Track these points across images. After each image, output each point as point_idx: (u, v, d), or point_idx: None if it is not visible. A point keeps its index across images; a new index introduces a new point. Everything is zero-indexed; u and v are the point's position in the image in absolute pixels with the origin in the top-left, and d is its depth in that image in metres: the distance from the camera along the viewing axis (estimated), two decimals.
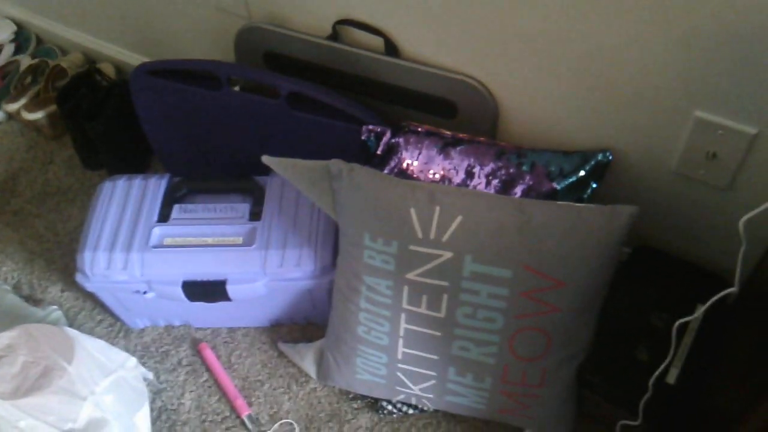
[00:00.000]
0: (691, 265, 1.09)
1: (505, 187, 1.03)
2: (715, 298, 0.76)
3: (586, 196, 1.02)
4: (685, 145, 0.95)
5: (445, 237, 0.94)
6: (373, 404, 1.17)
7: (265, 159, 1.06)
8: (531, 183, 1.02)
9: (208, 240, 1.11)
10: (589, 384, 1.05)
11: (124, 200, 1.16)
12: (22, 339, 1.05)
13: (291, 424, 1.16)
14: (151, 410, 1.17)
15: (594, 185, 1.02)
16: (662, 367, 0.90)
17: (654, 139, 0.98)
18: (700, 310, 0.81)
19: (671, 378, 0.99)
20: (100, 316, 1.30)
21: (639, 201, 1.07)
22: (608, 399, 1.05)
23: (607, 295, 1.03)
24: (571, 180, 1.02)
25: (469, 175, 1.04)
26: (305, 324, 1.27)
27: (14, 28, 1.72)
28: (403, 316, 1.01)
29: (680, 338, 1.01)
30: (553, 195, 1.01)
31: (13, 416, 0.97)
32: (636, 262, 1.11)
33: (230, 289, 1.10)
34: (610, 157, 1.01)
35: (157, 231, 1.12)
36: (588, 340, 1.00)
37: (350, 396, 1.18)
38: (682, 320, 0.85)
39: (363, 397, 1.18)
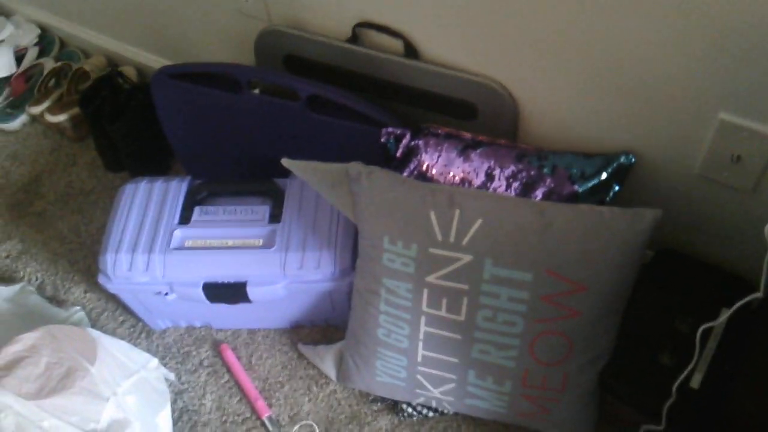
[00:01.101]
0: (715, 269, 1.08)
1: (526, 190, 1.02)
2: (740, 303, 0.75)
3: (608, 199, 1.01)
4: (708, 148, 0.94)
5: (465, 240, 0.93)
6: (393, 406, 1.16)
7: (285, 162, 1.06)
8: (552, 186, 1.02)
9: (229, 242, 1.12)
10: (611, 388, 1.04)
11: (146, 202, 1.17)
12: (46, 340, 1.06)
13: (311, 425, 1.16)
14: (173, 411, 1.18)
15: (616, 188, 1.01)
16: (686, 372, 0.89)
17: (677, 142, 0.97)
18: (725, 314, 0.79)
19: (695, 383, 0.98)
20: (122, 317, 1.31)
21: (662, 204, 1.06)
22: (630, 404, 1.04)
23: (630, 299, 1.02)
24: (593, 183, 1.01)
25: (490, 177, 1.04)
26: (325, 326, 1.27)
27: (38, 31, 1.74)
28: (423, 319, 1.01)
29: (704, 343, 1.00)
30: (574, 198, 1.00)
31: (37, 416, 0.99)
32: (659, 265, 1.10)
33: (250, 290, 1.11)
34: (633, 160, 1.00)
35: (179, 233, 1.13)
36: (610, 344, 1.00)
37: (370, 398, 1.18)
38: (706, 325, 0.84)
39: (383, 399, 1.17)
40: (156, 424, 1.10)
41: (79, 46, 1.73)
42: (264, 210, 1.15)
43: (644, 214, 0.90)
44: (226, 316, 1.24)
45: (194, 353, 1.26)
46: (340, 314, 1.20)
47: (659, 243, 1.11)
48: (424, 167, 1.07)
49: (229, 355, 1.24)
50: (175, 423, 1.17)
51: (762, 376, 0.93)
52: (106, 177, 1.53)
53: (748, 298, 0.75)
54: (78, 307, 1.30)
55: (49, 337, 1.06)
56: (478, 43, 1.02)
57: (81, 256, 1.40)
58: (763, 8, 0.75)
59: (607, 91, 0.96)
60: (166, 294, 1.14)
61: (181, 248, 1.12)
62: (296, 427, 1.16)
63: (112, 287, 1.14)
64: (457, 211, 0.94)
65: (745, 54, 0.81)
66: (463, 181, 1.05)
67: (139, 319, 1.29)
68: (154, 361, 1.14)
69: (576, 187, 1.01)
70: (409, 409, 1.15)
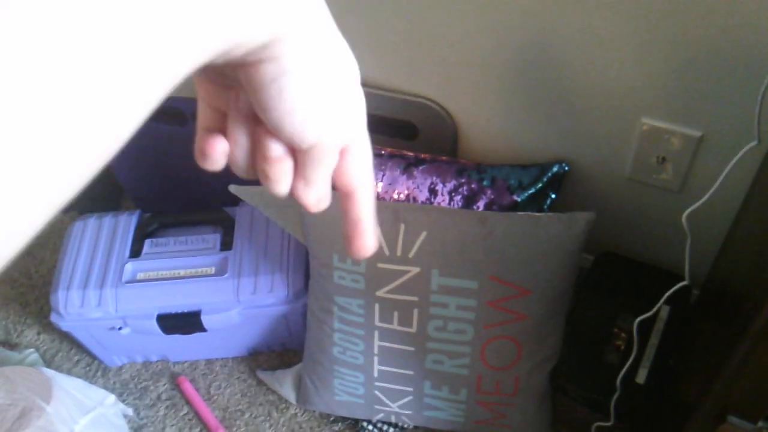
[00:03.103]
0: (652, 268, 1.13)
1: (468, 203, 1.06)
2: (669, 292, 0.80)
3: (545, 206, 1.06)
4: (635, 152, 0.99)
5: (412, 253, 0.97)
6: (354, 425, 1.18)
7: (232, 188, 1.08)
8: (492, 197, 1.06)
9: (181, 272, 1.13)
10: (562, 389, 1.08)
11: (96, 238, 1.17)
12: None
13: None
14: None
15: (553, 196, 1.06)
16: (627, 366, 0.93)
17: (607, 148, 1.02)
18: (657, 306, 0.84)
19: (640, 378, 1.02)
20: (77, 357, 1.30)
21: (597, 208, 1.11)
22: (581, 402, 1.07)
23: (574, 303, 1.06)
24: (530, 192, 1.05)
25: (433, 192, 1.08)
26: (282, 350, 1.28)
27: None
28: (376, 333, 1.03)
29: (647, 338, 1.04)
30: (514, 207, 1.05)
31: None
32: (599, 269, 1.14)
33: (205, 319, 1.11)
34: (567, 168, 1.05)
35: (130, 266, 1.14)
36: (557, 345, 1.03)
37: (331, 419, 1.19)
38: (641, 317, 0.88)
39: (343, 419, 1.19)
40: None
41: None
42: (215, 238, 1.16)
43: (578, 218, 0.95)
44: (182, 347, 1.24)
45: (152, 387, 1.25)
46: (297, 337, 1.21)
47: (599, 247, 1.16)
48: None
49: (188, 387, 1.24)
50: None
51: (698, 363, 0.97)
52: (56, 217, 1.52)
53: (675, 287, 0.79)
54: (32, 349, 1.29)
55: (2, 379, 1.05)
56: (414, 66, 1.07)
57: (33, 299, 1.38)
58: (678, 21, 0.81)
59: (537, 104, 1.01)
60: (120, 328, 1.14)
61: (133, 281, 1.13)
62: None
63: (64, 325, 1.14)
64: (402, 226, 0.97)
65: (662, 60, 0.86)
66: (408, 197, 1.08)
67: (94, 357, 1.28)
68: (111, 397, 1.14)
69: (515, 197, 1.05)
70: (370, 427, 1.16)
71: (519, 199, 1.05)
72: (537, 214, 0.97)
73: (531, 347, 1.00)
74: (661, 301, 0.82)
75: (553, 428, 1.11)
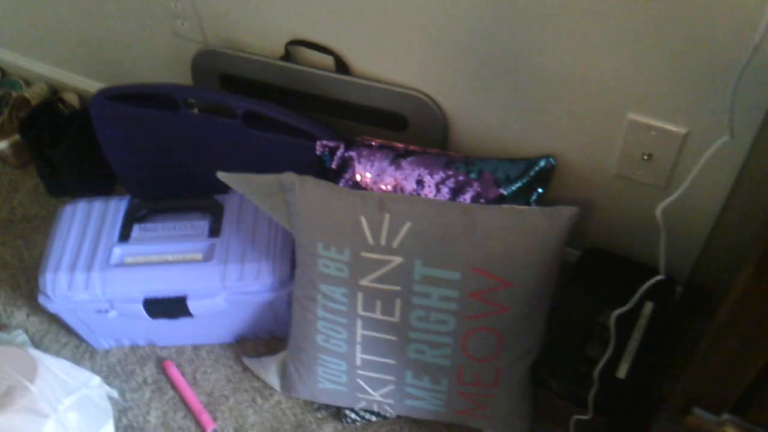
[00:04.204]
0: (637, 264, 1.13)
1: (454, 195, 1.07)
2: (644, 286, 0.80)
3: (532, 200, 1.06)
4: (621, 148, 1.00)
5: (396, 243, 0.97)
6: (337, 413, 1.19)
7: (220, 175, 1.09)
8: (479, 190, 1.06)
9: (168, 257, 1.14)
10: (544, 383, 1.08)
11: (85, 222, 1.18)
12: None
13: None
14: (117, 429, 1.18)
15: (540, 190, 1.06)
16: (605, 360, 0.93)
17: (594, 144, 1.03)
18: (632, 300, 0.84)
19: (621, 373, 1.02)
20: (65, 339, 1.31)
21: (585, 204, 1.11)
22: (563, 397, 1.08)
23: (558, 298, 1.07)
24: (517, 185, 1.06)
25: (420, 184, 1.08)
26: (269, 338, 1.29)
27: None
28: (359, 322, 1.04)
29: (629, 334, 1.05)
30: (500, 201, 1.05)
31: None
32: (585, 264, 1.15)
33: (191, 304, 1.12)
34: (554, 162, 1.06)
35: (118, 250, 1.15)
36: (538, 338, 1.04)
37: (314, 406, 1.20)
38: (620, 312, 0.89)
39: (327, 407, 1.19)
40: None
41: (20, 75, 1.74)
42: (203, 225, 1.17)
43: (562, 212, 0.95)
44: (169, 332, 1.25)
45: (138, 371, 1.26)
46: (282, 325, 1.22)
47: (585, 242, 1.16)
48: (358, 177, 1.11)
49: (173, 372, 1.25)
50: None
51: (681, 362, 0.98)
52: (49, 202, 1.53)
53: (651, 281, 0.80)
54: (21, 330, 1.30)
55: None
56: (405, 57, 1.07)
57: (23, 281, 1.39)
58: (663, 13, 0.81)
59: (527, 99, 1.02)
60: (107, 311, 1.15)
61: (120, 265, 1.13)
62: None
63: (52, 307, 1.15)
64: (387, 215, 0.97)
65: (648, 55, 0.87)
66: (395, 188, 1.09)
67: (81, 340, 1.29)
68: (96, 379, 1.15)
69: (501, 190, 1.06)
70: (353, 415, 1.17)
71: (506, 193, 1.05)
72: (521, 207, 0.97)
73: (512, 339, 1.01)
74: (637, 295, 0.82)
75: (534, 421, 1.11)
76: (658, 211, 0.70)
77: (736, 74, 0.64)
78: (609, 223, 1.13)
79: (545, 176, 1.06)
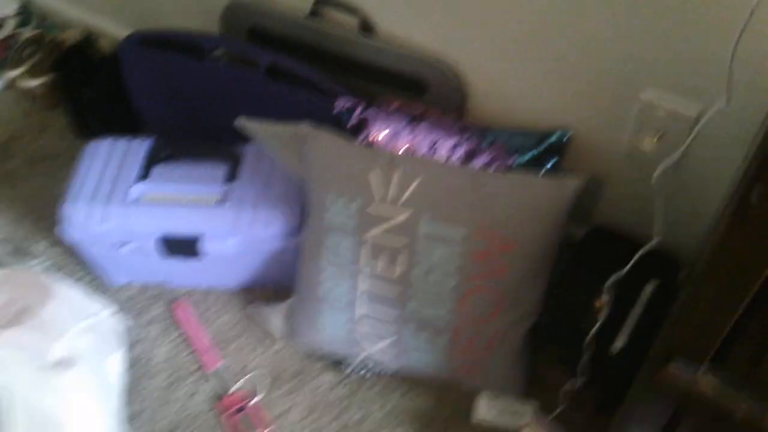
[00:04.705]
0: (642, 245, 1.14)
1: (466, 160, 1.09)
2: (635, 258, 0.82)
3: (543, 173, 1.08)
4: (634, 126, 1.01)
5: (404, 198, 1.00)
6: (336, 365, 1.22)
7: (239, 121, 1.12)
8: (491, 158, 1.08)
9: (184, 198, 1.17)
10: (541, 351, 1.11)
11: (108, 158, 1.22)
12: (2, 281, 1.11)
13: (257, 378, 1.22)
14: (126, 360, 1.22)
15: (552, 163, 1.08)
16: (595, 330, 0.95)
17: (608, 120, 1.04)
18: (621, 273, 0.86)
19: (616, 347, 1.04)
20: (81, 273, 1.36)
21: (596, 180, 1.13)
22: (559, 365, 1.10)
23: (560, 270, 1.09)
24: (529, 156, 1.07)
25: (433, 148, 1.10)
26: (275, 289, 1.32)
27: (17, 4, 1.79)
28: (361, 275, 1.07)
29: (628, 311, 1.06)
30: (511, 170, 1.07)
31: None
32: (590, 242, 1.16)
33: (203, 246, 1.16)
34: (568, 137, 1.07)
35: (137, 188, 1.19)
36: (537, 304, 1.06)
37: (314, 357, 1.24)
38: (616, 277, 0.90)
39: (326, 358, 1.23)
40: (106, 367, 1.15)
41: (56, 19, 1.78)
42: (222, 170, 1.20)
43: (568, 182, 0.97)
44: (181, 273, 1.29)
45: (149, 308, 1.31)
46: (289, 277, 1.25)
47: (593, 221, 1.18)
48: (373, 137, 1.13)
49: (182, 311, 1.29)
50: (127, 371, 1.22)
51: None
52: (75, 142, 1.57)
53: (648, 246, 0.81)
54: (40, 259, 1.35)
55: (5, 279, 1.11)
56: (430, 23, 1.09)
57: (45, 215, 1.44)
58: None
59: (545, 72, 1.03)
60: (122, 246, 1.19)
61: (138, 202, 1.17)
62: (242, 380, 1.22)
63: (70, 237, 1.19)
64: (397, 171, 1.00)
65: (661, 33, 0.88)
66: (408, 150, 1.11)
67: (96, 275, 1.34)
68: (108, 310, 1.19)
69: (513, 160, 1.07)
70: (351, 368, 1.20)
71: (517, 162, 1.07)
72: (529, 175, 0.99)
73: (510, 302, 1.03)
74: (626, 269, 0.84)
75: (528, 387, 1.14)
76: (655, 177, 0.72)
77: (734, 40, 0.65)
78: (619, 200, 1.14)
79: (558, 149, 1.08)
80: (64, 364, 1.06)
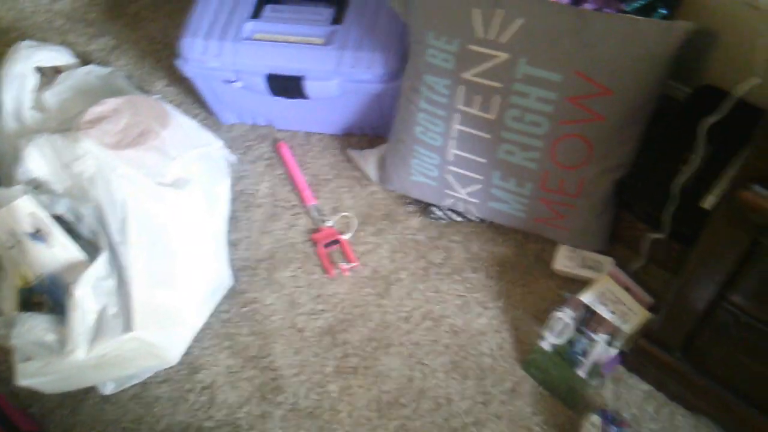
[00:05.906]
0: (750, 106, 1.09)
1: (576, 3, 1.06)
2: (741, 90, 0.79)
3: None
4: None
5: (505, 38, 0.99)
6: (425, 209, 1.27)
7: None
8: (601, 2, 1.05)
9: (292, 38, 1.22)
10: (628, 206, 1.10)
11: None
12: (126, 105, 1.21)
13: (349, 216, 1.29)
14: (232, 191, 1.32)
15: (663, 12, 1.03)
16: (685, 181, 0.94)
17: None
18: (715, 118, 0.83)
19: (708, 204, 1.02)
20: (196, 110, 1.45)
21: (711, 36, 1.07)
22: (645, 221, 1.10)
23: (658, 125, 1.06)
24: (640, 3, 1.03)
25: None
26: (373, 136, 1.37)
27: None
28: (456, 116, 1.09)
29: (723, 167, 1.03)
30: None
31: (114, 164, 1.14)
32: (695, 100, 1.12)
33: (307, 84, 1.21)
34: None
35: (249, 25, 1.24)
36: (629, 155, 1.05)
37: (406, 201, 1.29)
38: (710, 120, 0.88)
39: (416, 203, 1.28)
40: (215, 192, 1.25)
41: None
42: (329, 12, 1.24)
43: (677, 26, 0.93)
44: (286, 115, 1.35)
45: (255, 147, 1.39)
46: (387, 123, 1.29)
47: (702, 81, 1.13)
48: None
49: (286, 151, 1.37)
50: (232, 202, 1.32)
51: None
52: None
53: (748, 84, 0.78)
54: (159, 95, 1.45)
55: (129, 104, 1.21)
56: None
57: (165, 56, 1.53)
58: None
59: None
60: (234, 81, 1.26)
61: (250, 39, 1.23)
62: (336, 217, 1.29)
63: (187, 70, 1.27)
64: (501, 10, 0.99)
65: None
66: None
67: (210, 113, 1.43)
68: (220, 142, 1.28)
69: (624, 5, 1.04)
70: (439, 212, 1.25)
71: (627, 9, 1.04)
72: (637, 17, 0.96)
73: (602, 151, 1.03)
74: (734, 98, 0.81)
75: (609, 242, 1.15)
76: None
77: None
78: (731, 58, 1.09)
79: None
80: (179, 183, 1.17)
